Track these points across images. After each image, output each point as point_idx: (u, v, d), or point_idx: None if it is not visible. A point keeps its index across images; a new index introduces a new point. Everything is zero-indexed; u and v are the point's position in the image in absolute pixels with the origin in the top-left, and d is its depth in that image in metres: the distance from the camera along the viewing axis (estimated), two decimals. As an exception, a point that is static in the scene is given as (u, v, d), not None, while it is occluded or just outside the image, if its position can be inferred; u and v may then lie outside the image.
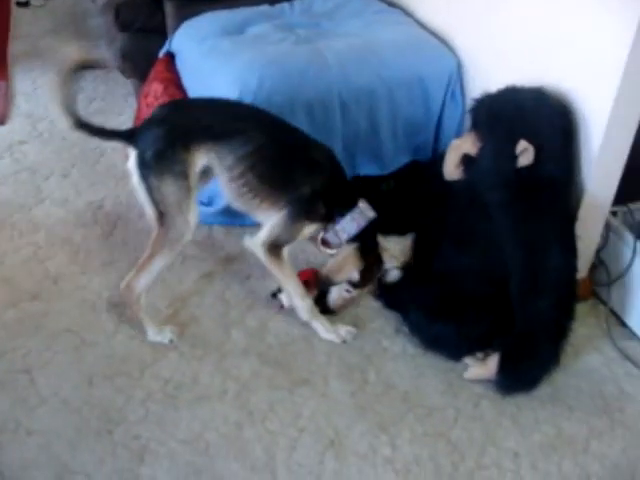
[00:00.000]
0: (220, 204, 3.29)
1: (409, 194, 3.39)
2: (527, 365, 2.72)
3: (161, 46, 3.69)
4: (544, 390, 2.77)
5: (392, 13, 3.75)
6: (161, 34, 3.77)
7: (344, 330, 2.87)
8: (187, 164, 2.61)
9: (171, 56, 3.64)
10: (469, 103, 2.94)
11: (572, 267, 2.75)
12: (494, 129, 2.80)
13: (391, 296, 3.04)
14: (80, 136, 3.68)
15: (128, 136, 2.71)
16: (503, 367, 2.71)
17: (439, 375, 2.78)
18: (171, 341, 2.79)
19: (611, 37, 2.58)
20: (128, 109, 4.06)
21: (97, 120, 3.83)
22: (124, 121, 3.96)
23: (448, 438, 2.57)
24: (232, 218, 3.32)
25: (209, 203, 3.37)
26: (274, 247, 2.74)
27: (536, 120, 2.75)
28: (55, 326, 2.84)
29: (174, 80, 3.53)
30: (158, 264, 2.71)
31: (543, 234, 2.72)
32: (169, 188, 2.61)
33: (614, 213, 3.08)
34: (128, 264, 3.09)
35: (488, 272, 2.84)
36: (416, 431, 2.58)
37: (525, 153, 2.70)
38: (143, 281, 2.72)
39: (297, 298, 2.82)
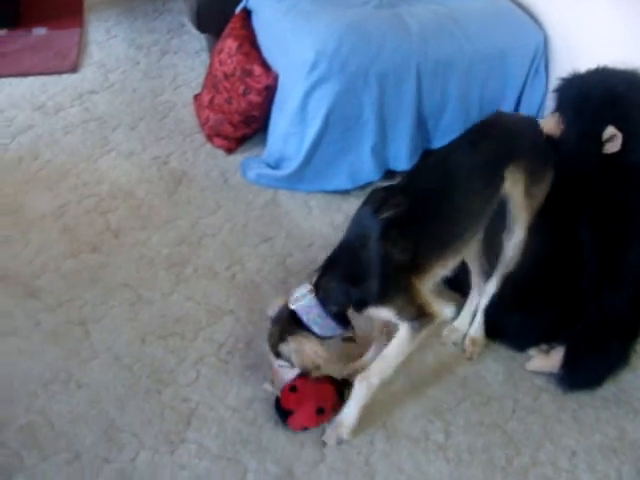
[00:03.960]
0: (288, 168, 3.22)
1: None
2: (593, 362, 2.59)
3: (239, 1, 3.60)
4: (608, 389, 2.64)
5: (479, -18, 3.58)
6: (239, -11, 3.68)
7: None
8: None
9: (248, 12, 3.55)
10: (555, 82, 2.78)
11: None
12: (581, 112, 2.64)
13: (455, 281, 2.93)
14: (151, 89, 3.74)
15: None
16: (568, 361, 2.59)
17: (500, 363, 2.67)
18: None
19: None
20: (200, 65, 3.99)
21: (168, 74, 3.89)
22: (195, 77, 3.90)
23: (504, 430, 2.47)
24: (298, 183, 3.25)
25: (276, 166, 3.30)
26: None
27: (627, 106, 2.59)
28: (112, 280, 2.82)
29: (249, 38, 3.45)
30: None
31: (626, 225, 2.58)
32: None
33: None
34: (190, 223, 3.07)
35: (559, 260, 2.70)
36: (471, 419, 2.49)
37: (613, 140, 2.55)
38: None
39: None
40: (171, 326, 2.68)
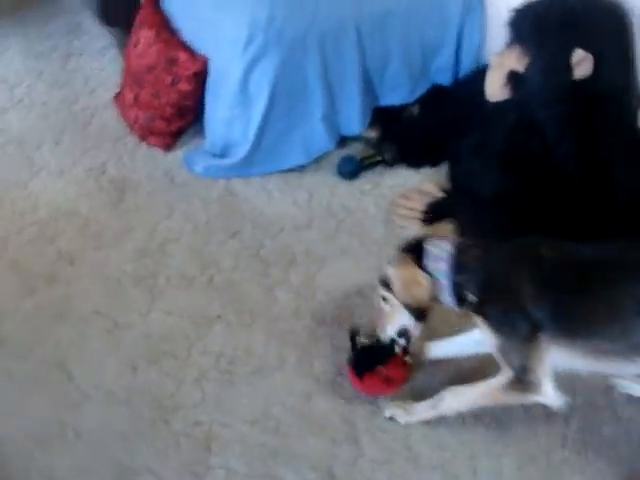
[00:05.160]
0: (237, 154, 3.01)
1: (436, 120, 3.12)
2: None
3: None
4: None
5: None
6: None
7: None
8: None
9: (155, -3, 3.29)
10: (509, 15, 2.65)
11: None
12: (543, 40, 2.54)
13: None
14: (63, 98, 3.45)
15: None
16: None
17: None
18: None
19: None
20: (109, 64, 3.65)
21: (77, 79, 3.58)
22: (108, 77, 3.58)
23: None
24: (251, 167, 3.04)
25: (223, 154, 3.07)
26: None
27: (589, 25, 2.50)
28: (81, 310, 2.56)
29: (165, 24, 3.19)
30: None
31: (608, 151, 2.50)
32: None
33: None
34: (146, 232, 2.84)
35: (541, 193, 2.61)
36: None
37: (583, 63, 2.45)
38: None
39: None
40: (159, 347, 2.45)
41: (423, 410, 2.20)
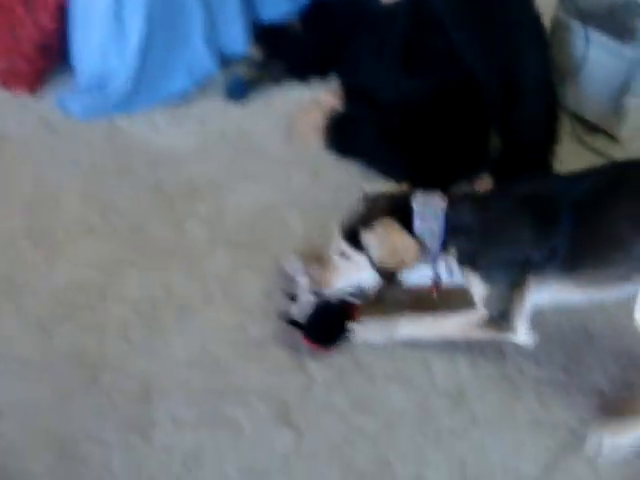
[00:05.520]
0: (117, 87, 2.79)
1: (321, 34, 3.00)
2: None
3: None
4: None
5: None
6: None
7: None
8: None
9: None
10: None
11: (549, 66, 2.52)
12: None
13: (344, 142, 2.69)
14: None
15: None
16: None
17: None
18: None
19: None
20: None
21: None
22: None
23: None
24: (135, 101, 2.83)
25: (100, 87, 2.83)
26: None
27: None
28: (-26, 278, 2.30)
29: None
30: None
31: (513, 37, 2.47)
32: None
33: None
34: (31, 184, 2.63)
35: (448, 92, 2.55)
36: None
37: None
38: None
39: None
40: (69, 301, 2.23)
41: (380, 331, 2.11)
